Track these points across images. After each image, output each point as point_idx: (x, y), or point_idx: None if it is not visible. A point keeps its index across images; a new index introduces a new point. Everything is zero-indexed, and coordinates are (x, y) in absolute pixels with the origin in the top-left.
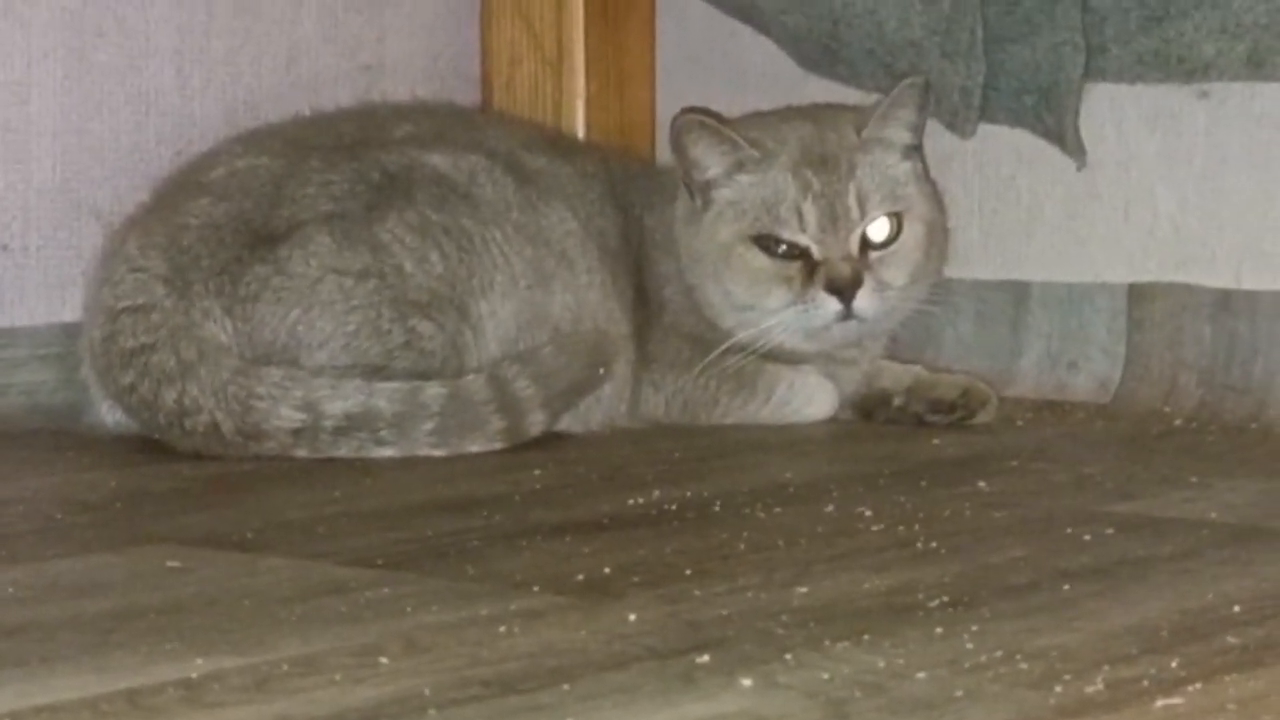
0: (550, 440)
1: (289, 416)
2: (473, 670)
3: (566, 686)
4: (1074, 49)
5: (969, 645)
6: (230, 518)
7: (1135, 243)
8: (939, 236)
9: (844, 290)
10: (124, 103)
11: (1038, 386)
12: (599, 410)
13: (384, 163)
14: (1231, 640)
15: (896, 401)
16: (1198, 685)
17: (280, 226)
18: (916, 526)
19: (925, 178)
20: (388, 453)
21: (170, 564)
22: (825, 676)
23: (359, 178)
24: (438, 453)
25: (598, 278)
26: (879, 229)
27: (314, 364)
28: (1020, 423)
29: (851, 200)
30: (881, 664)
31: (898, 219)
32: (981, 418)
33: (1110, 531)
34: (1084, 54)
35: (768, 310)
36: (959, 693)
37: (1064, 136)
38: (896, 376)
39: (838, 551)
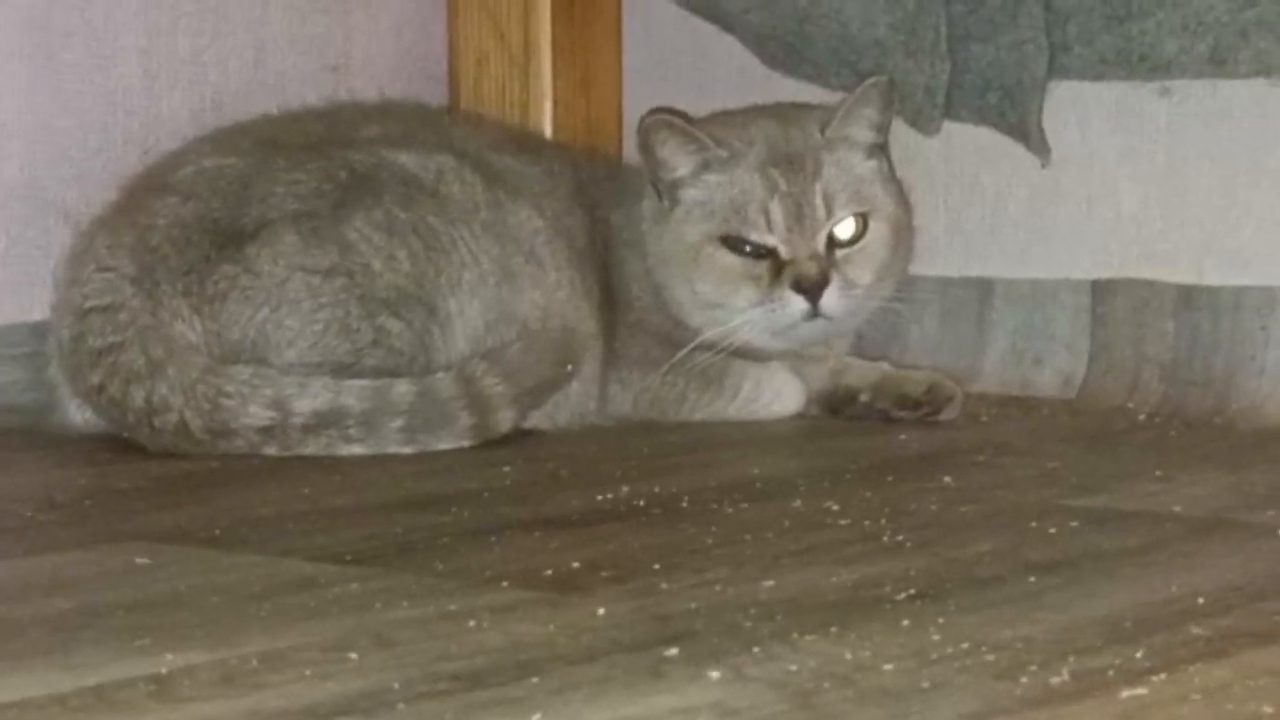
0: (519, 438)
1: (258, 415)
2: (441, 665)
3: (535, 680)
4: (1037, 47)
5: (935, 637)
6: (199, 515)
7: (1098, 239)
8: (905, 235)
9: (811, 289)
10: (91, 102)
11: (1003, 382)
12: (567, 408)
13: (352, 162)
14: (1195, 631)
15: (863, 398)
16: (1162, 675)
17: (248, 226)
18: (883, 521)
19: (891, 177)
20: (357, 450)
21: (139, 561)
22: (793, 668)
23: (326, 177)
24: (406, 450)
25: (565, 276)
26: (845, 228)
27: (283, 362)
28: (985, 418)
29: (818, 200)
30: (849, 656)
31: (864, 218)
32: (947, 414)
33: (1075, 525)
34: (1047, 52)
35: (735, 309)
36: (925, 684)
37: (1028, 134)
38: (863, 373)
39: (805, 545)
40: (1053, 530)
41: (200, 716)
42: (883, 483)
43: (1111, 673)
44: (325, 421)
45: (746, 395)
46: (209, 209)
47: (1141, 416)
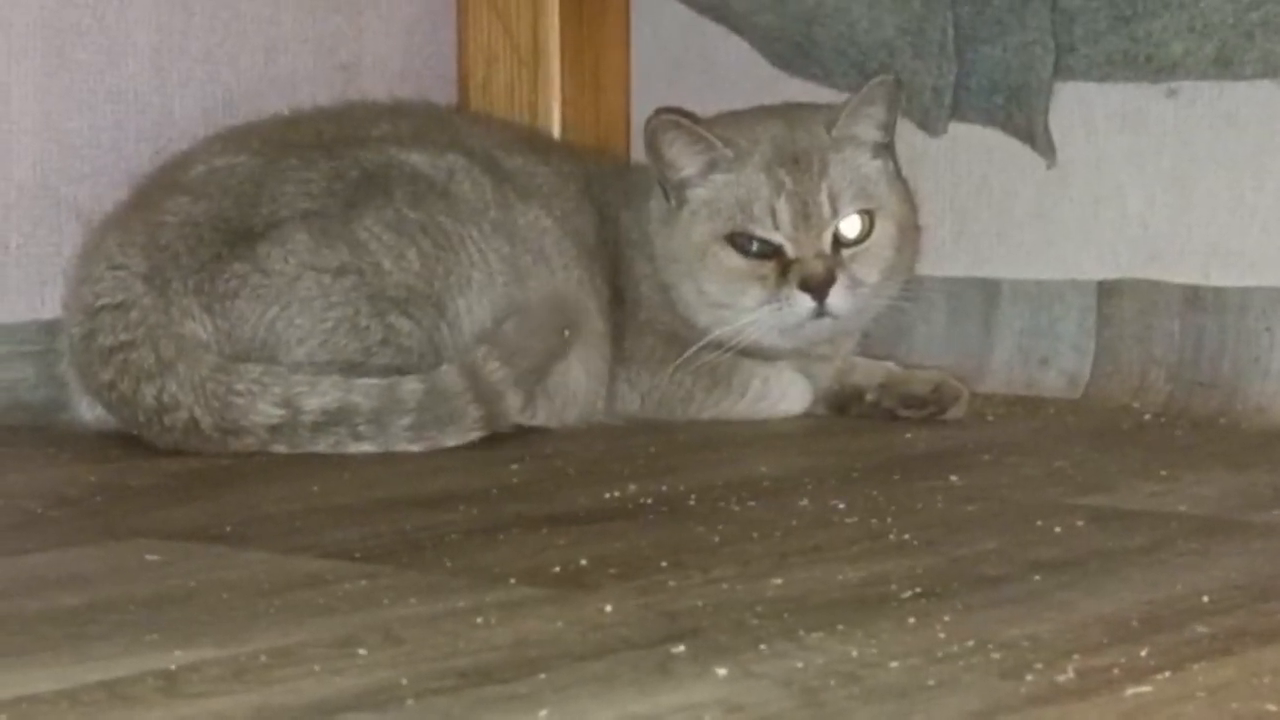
0: (527, 436)
1: (267, 412)
2: (450, 661)
3: (543, 676)
4: (1044, 49)
5: (941, 635)
6: (209, 511)
7: (1105, 240)
8: (910, 234)
9: (817, 288)
10: (103, 100)
11: (1009, 382)
12: (575, 407)
13: (362, 161)
14: (1200, 630)
15: (869, 397)
16: (1167, 674)
17: (259, 224)
18: (889, 519)
19: (897, 176)
20: (366, 448)
21: (149, 557)
22: (799, 666)
23: (337, 176)
24: (415, 447)
25: (574, 275)
26: (851, 226)
27: (292, 360)
28: (992, 418)
29: (824, 198)
30: (855, 653)
31: (869, 216)
32: (954, 413)
33: (1081, 524)
34: (1053, 53)
35: (742, 309)
36: (931, 681)
37: (1034, 135)
38: (869, 372)
39: (812, 544)
40: (1058, 529)
41: (209, 712)
42: (889, 481)
43: (1117, 671)
44: (334, 419)
45: (754, 395)
46: (220, 208)
47: (1147, 416)
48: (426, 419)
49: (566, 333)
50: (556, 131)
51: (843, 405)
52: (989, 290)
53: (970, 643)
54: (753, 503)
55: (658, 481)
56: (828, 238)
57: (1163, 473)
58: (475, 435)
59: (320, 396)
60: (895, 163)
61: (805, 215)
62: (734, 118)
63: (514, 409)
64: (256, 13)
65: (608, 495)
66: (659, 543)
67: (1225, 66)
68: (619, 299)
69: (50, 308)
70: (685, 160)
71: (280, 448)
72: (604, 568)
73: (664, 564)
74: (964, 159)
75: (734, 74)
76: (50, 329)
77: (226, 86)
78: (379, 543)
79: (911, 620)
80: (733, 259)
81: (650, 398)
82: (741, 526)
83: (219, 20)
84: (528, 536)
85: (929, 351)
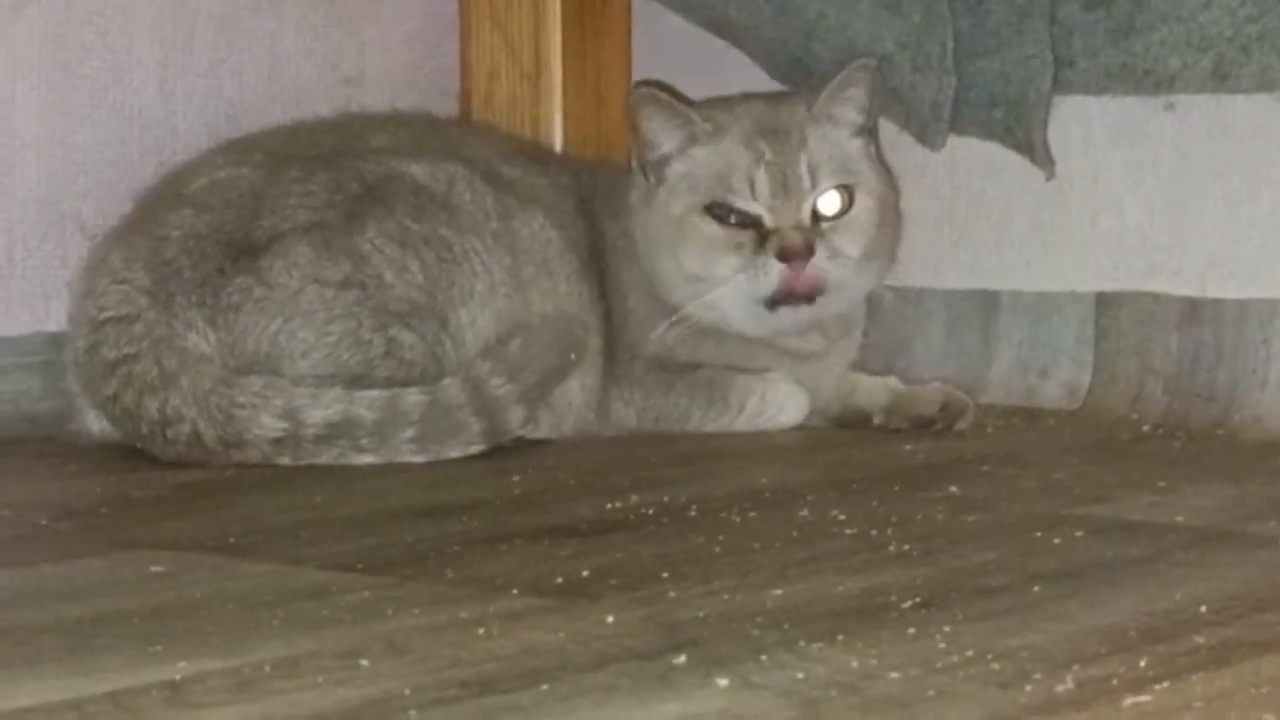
0: (529, 447)
1: (270, 425)
2: (452, 671)
3: (545, 687)
4: (1042, 62)
5: (941, 645)
6: (214, 523)
7: (1103, 252)
8: (891, 215)
9: (794, 258)
10: (107, 115)
11: (1008, 393)
12: (572, 418)
13: (363, 172)
14: (1198, 640)
15: (876, 420)
16: (1165, 684)
17: (261, 237)
18: (889, 530)
19: (878, 160)
20: (368, 459)
21: (154, 569)
22: (800, 676)
23: (338, 188)
24: (417, 459)
25: (575, 288)
26: (830, 201)
27: (296, 374)
28: (991, 429)
29: (803, 169)
30: (855, 664)
31: (849, 192)
32: (960, 425)
33: (1080, 535)
34: (1052, 67)
35: (717, 279)
36: (931, 692)
37: (1033, 148)
38: (872, 394)
39: (812, 554)
40: (1058, 540)
41: None
42: (889, 492)
43: (1115, 681)
44: (337, 432)
45: (751, 410)
46: (222, 221)
47: (1145, 428)
48: (429, 431)
49: (573, 356)
50: (558, 145)
51: (847, 425)
52: (988, 302)
53: (970, 653)
54: (753, 513)
55: (659, 492)
56: (807, 210)
57: (1161, 483)
58: (477, 448)
59: (323, 409)
60: (877, 147)
61: (784, 185)
62: (715, 100)
63: (516, 423)
64: (260, 27)
65: (609, 506)
66: (660, 553)
67: (1222, 80)
68: (609, 314)
69: (55, 320)
70: (664, 136)
71: (284, 460)
72: (606, 578)
73: (665, 575)
74: (963, 172)
75: (735, 87)
76: (55, 341)
77: (230, 101)
78: (382, 554)
79: (911, 631)
80: (710, 228)
81: (646, 416)
82: (742, 537)
83: (223, 35)
84: (530, 547)
85: (929, 363)
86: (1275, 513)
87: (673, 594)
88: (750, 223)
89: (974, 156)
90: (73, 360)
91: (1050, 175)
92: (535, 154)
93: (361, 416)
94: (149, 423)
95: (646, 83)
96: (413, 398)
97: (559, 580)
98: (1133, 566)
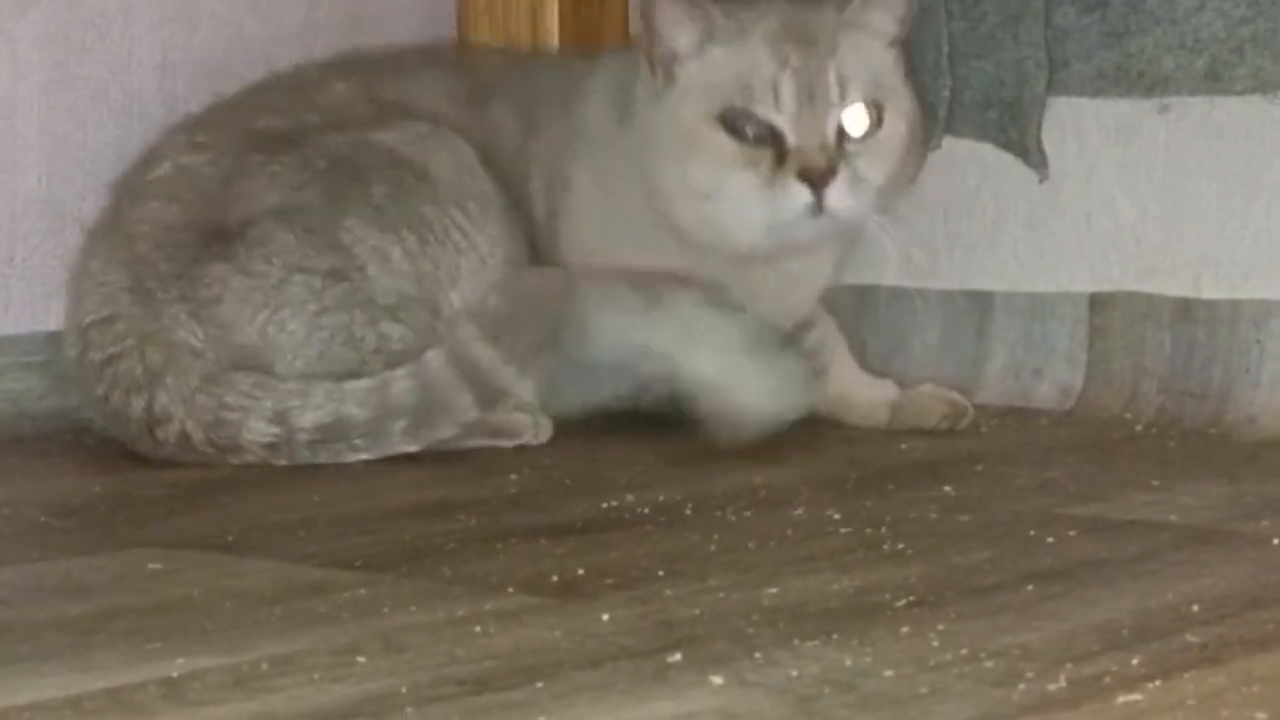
0: (525, 446)
1: (261, 431)
2: (449, 669)
3: (540, 685)
4: (1037, 64)
5: (935, 644)
6: (212, 521)
7: (1097, 253)
8: (916, 142)
9: (818, 180)
10: (108, 115)
11: (1002, 393)
12: None
13: (329, 146)
14: (1191, 638)
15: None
16: (1158, 682)
17: (232, 223)
18: (884, 529)
19: (909, 78)
20: (364, 456)
21: (152, 566)
22: (794, 674)
23: (305, 165)
24: (412, 447)
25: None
26: (857, 119)
27: (290, 370)
28: (985, 429)
29: (831, 79)
30: (849, 662)
31: (878, 110)
32: (960, 426)
33: (1073, 534)
34: (1047, 69)
35: (728, 197)
36: (925, 690)
37: (1027, 149)
38: (868, 409)
39: (807, 553)
40: (1051, 539)
41: (210, 719)
42: (883, 492)
43: (1108, 679)
44: (330, 435)
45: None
46: (190, 210)
47: (1139, 428)
48: (421, 416)
49: (559, 309)
50: None
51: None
52: (982, 302)
53: (963, 651)
54: (748, 512)
55: (654, 491)
56: (832, 126)
57: (1154, 483)
58: (473, 415)
59: (314, 410)
60: (910, 66)
61: (810, 96)
62: (736, 3)
63: (508, 380)
64: (259, 29)
65: (605, 505)
66: (656, 552)
67: (1215, 81)
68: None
69: (55, 319)
70: (678, 29)
71: (279, 462)
72: (601, 577)
73: (661, 573)
74: (958, 172)
75: None
76: (55, 340)
77: None
78: (379, 551)
79: (905, 629)
80: (724, 142)
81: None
82: (737, 536)
83: (223, 35)
84: (526, 546)
85: (924, 363)
86: (1268, 512)
87: (668, 592)
88: (768, 137)
89: (968, 157)
90: (69, 368)
91: (1044, 176)
92: (481, 74)
93: (353, 416)
94: (136, 423)
95: None
96: (401, 385)
97: (555, 578)
98: (1126, 565)
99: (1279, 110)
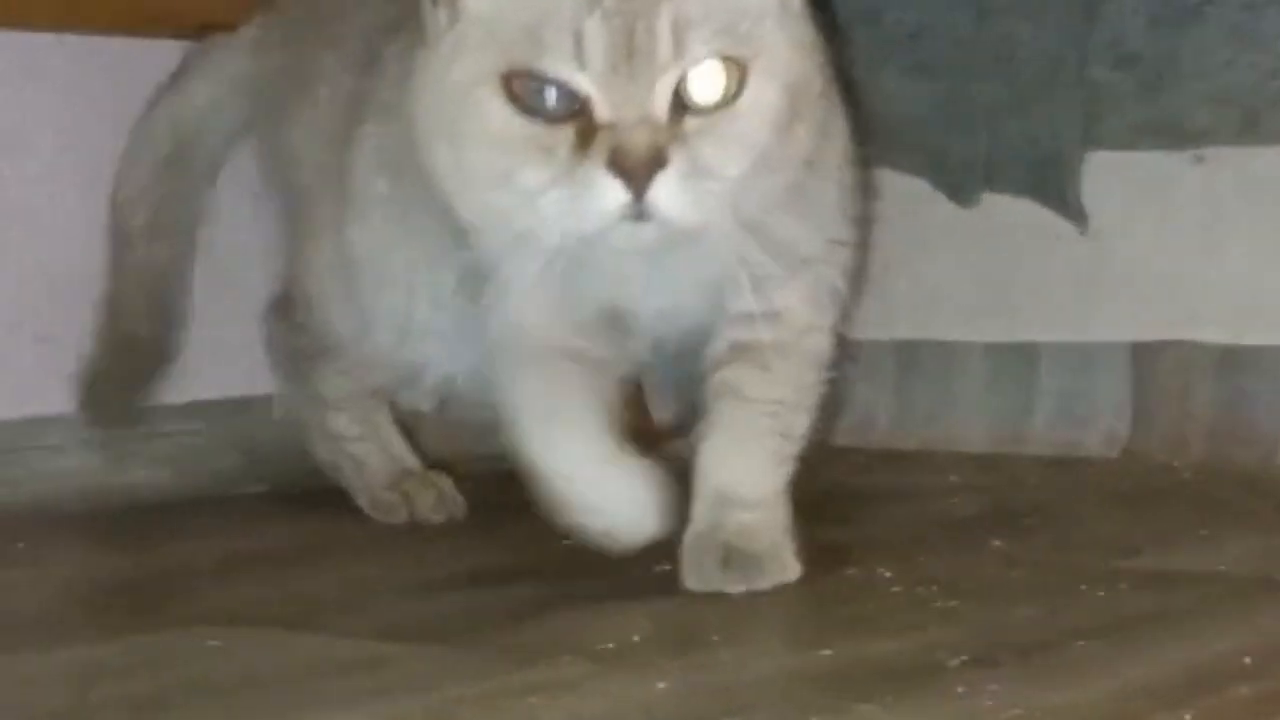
0: None
1: None
2: None
3: None
4: (1072, 120)
5: (989, 703)
6: (266, 595)
7: (1139, 302)
8: (806, 107)
9: (634, 170)
10: None
11: (1051, 444)
12: None
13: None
14: (1243, 691)
15: None
16: None
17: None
18: (935, 587)
19: (799, 15)
20: None
21: (210, 643)
22: None
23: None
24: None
25: None
26: (705, 82)
27: None
28: (1033, 481)
29: (663, 25)
30: None
31: (739, 69)
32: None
33: (1124, 587)
34: (1082, 124)
35: (516, 192)
36: None
37: (1065, 204)
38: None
39: (859, 613)
40: (1101, 593)
41: None
42: (935, 548)
43: None
44: None
45: None
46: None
47: (1186, 475)
48: None
49: None
50: None
51: None
52: (1028, 354)
53: (1017, 710)
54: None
55: None
56: (664, 92)
57: (1203, 532)
58: None
59: None
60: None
61: (629, 51)
62: None
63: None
64: None
65: (658, 569)
66: (709, 615)
67: (1251, 132)
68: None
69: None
70: None
71: None
72: (656, 642)
73: (715, 638)
74: (1000, 228)
75: None
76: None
77: None
78: (432, 622)
79: (960, 689)
80: (507, 116)
81: None
82: (789, 596)
83: None
84: (579, 612)
85: (969, 416)
86: None
87: (723, 656)
88: (570, 108)
89: (1009, 213)
90: None
91: (1083, 230)
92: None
93: None
94: None
95: None
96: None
97: (610, 645)
98: (1176, 618)
99: None
